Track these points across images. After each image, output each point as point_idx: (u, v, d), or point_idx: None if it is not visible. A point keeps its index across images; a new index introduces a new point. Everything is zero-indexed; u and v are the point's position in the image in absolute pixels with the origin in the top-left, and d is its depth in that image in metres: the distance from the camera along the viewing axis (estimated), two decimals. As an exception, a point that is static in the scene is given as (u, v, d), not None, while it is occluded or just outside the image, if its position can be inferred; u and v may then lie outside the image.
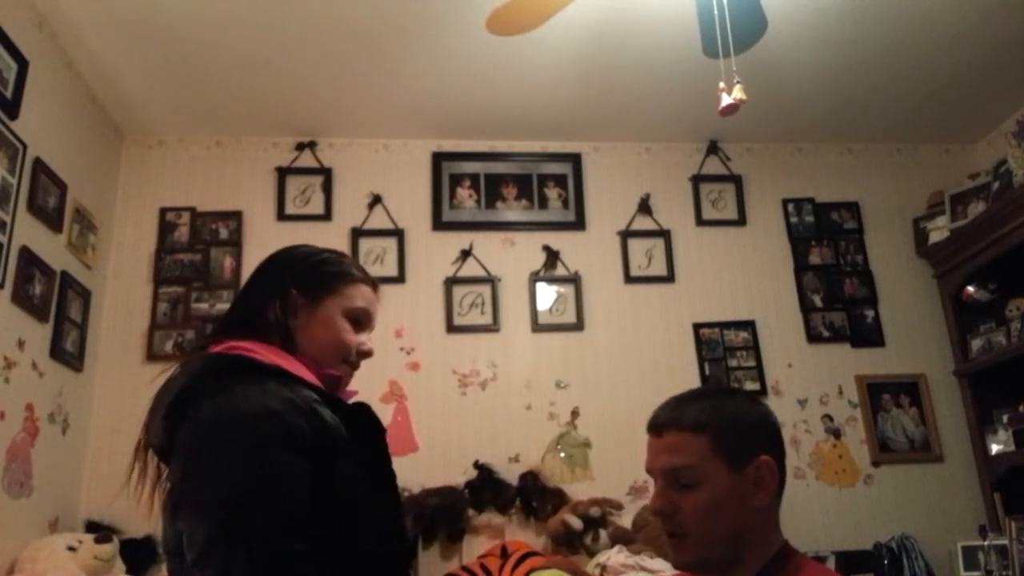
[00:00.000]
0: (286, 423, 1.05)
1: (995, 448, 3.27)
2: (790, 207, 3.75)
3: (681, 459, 1.07)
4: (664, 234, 3.64)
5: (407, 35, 2.92)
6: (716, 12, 2.19)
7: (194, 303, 3.31)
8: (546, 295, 3.51)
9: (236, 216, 3.45)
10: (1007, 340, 3.23)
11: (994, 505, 3.17)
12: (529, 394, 3.36)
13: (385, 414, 3.24)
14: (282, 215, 3.48)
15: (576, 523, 3.00)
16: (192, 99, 3.29)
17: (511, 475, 3.21)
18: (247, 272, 1.37)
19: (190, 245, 3.39)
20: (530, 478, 3.19)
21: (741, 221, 3.71)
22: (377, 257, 3.46)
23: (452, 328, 3.41)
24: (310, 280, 1.27)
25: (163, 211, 3.43)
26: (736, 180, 3.76)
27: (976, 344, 3.40)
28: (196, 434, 1.06)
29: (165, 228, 3.41)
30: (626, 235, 3.62)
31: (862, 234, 3.75)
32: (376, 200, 3.55)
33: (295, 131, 3.56)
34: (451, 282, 3.47)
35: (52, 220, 2.81)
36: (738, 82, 2.10)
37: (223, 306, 3.25)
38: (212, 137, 3.56)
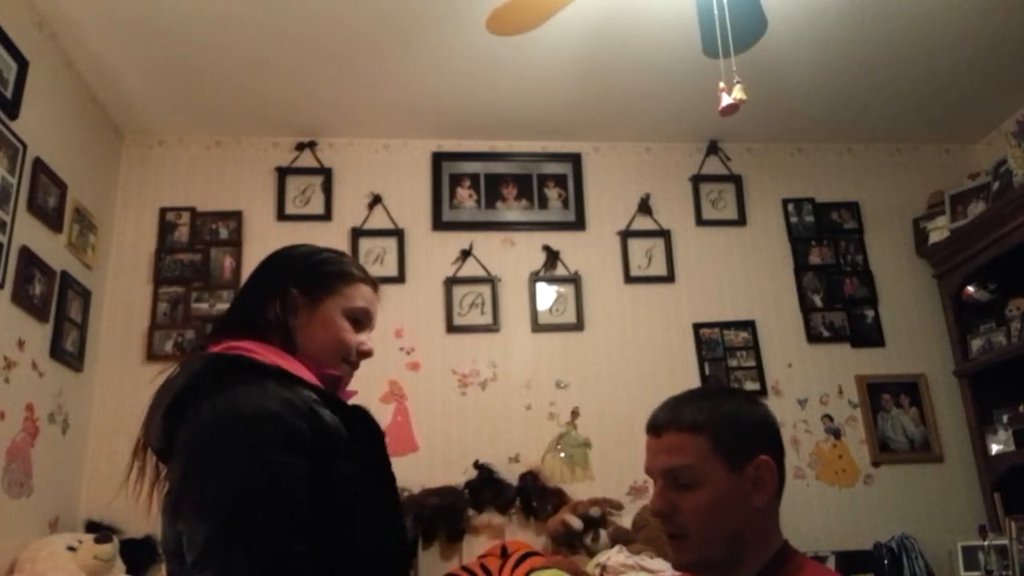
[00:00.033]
0: (286, 424, 1.05)
1: (995, 448, 3.27)
2: (790, 207, 3.75)
3: (680, 459, 1.07)
4: (664, 234, 3.64)
5: (407, 35, 2.92)
6: (716, 12, 2.19)
7: (194, 303, 3.31)
8: (546, 295, 3.51)
9: (236, 216, 3.45)
10: (1007, 340, 3.23)
11: (994, 505, 3.17)
12: (529, 394, 3.36)
13: (385, 414, 3.24)
14: (282, 215, 3.48)
15: (576, 523, 3.00)
16: (192, 99, 3.29)
17: (511, 475, 3.21)
18: (247, 272, 1.37)
19: (190, 245, 3.39)
20: (530, 478, 3.19)
21: (741, 221, 3.71)
22: (377, 257, 3.46)
23: (452, 328, 3.41)
24: (310, 280, 1.27)
25: (163, 211, 3.43)
26: (736, 180, 3.76)
27: (976, 344, 3.40)
28: (196, 434, 1.06)
29: (165, 228, 3.41)
30: (626, 235, 3.62)
31: (862, 234, 3.75)
32: (376, 200, 3.54)
33: (295, 131, 3.56)
34: (451, 282, 3.47)
35: (52, 220, 2.81)
36: (738, 82, 2.10)
37: (223, 306, 3.25)
38: (212, 137, 3.56)
